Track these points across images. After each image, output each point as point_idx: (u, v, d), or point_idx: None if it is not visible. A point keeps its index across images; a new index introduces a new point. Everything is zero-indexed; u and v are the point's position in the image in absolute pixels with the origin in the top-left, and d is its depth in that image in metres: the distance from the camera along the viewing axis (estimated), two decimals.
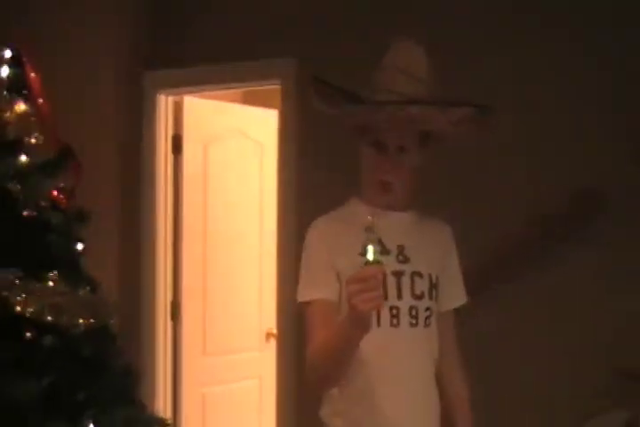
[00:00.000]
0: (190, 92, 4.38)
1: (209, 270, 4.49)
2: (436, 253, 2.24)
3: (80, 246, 2.30)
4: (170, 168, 4.35)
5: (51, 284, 2.07)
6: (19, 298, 1.96)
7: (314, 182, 3.86)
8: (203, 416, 4.47)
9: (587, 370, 3.15)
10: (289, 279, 3.89)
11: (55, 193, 2.29)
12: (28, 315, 1.98)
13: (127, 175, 4.17)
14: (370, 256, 1.70)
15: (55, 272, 2.11)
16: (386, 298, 2.04)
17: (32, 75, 2.30)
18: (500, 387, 2.26)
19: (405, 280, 2.14)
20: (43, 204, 2.20)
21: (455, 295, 2.30)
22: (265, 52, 3.97)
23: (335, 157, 3.77)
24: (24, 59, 2.29)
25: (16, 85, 2.27)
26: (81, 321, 2.04)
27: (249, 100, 5.06)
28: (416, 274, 2.15)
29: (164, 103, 4.34)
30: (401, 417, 2.11)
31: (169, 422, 2.49)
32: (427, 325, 2.16)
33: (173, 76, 4.24)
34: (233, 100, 4.92)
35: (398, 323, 2.11)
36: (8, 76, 2.26)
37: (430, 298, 2.17)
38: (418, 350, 2.16)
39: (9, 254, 2.08)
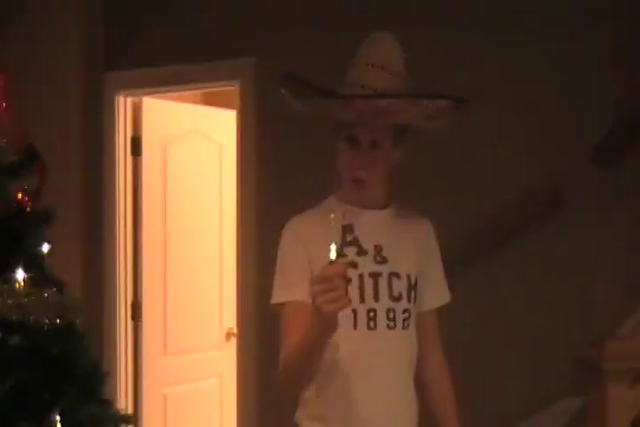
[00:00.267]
0: (149, 93, 4.39)
1: (169, 270, 4.51)
2: (415, 251, 2.16)
3: (46, 247, 2.32)
4: (129, 169, 4.36)
5: (17, 284, 2.10)
6: None
7: (273, 182, 3.90)
8: (164, 416, 4.49)
9: (545, 359, 3.21)
10: (249, 279, 3.94)
11: (20, 195, 2.31)
12: None
13: (89, 176, 4.18)
14: (332, 255, 1.65)
15: (21, 273, 2.14)
16: (363, 300, 2.03)
17: None
18: (458, 375, 2.29)
19: (383, 282, 2.08)
20: (7, 205, 2.23)
21: (437, 294, 2.24)
22: (223, 53, 4.00)
23: (294, 156, 3.83)
24: None
25: None
26: (47, 321, 2.08)
27: (209, 100, 5.08)
28: (394, 275, 2.09)
29: (123, 104, 4.35)
30: (378, 422, 2.07)
31: (132, 419, 2.52)
32: (405, 327, 2.10)
33: (132, 77, 4.25)
34: (193, 101, 4.94)
35: (375, 326, 2.05)
36: None
37: (409, 300, 2.11)
38: (396, 353, 2.10)
39: None
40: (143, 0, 4.24)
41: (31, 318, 2.06)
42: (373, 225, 2.12)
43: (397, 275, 2.09)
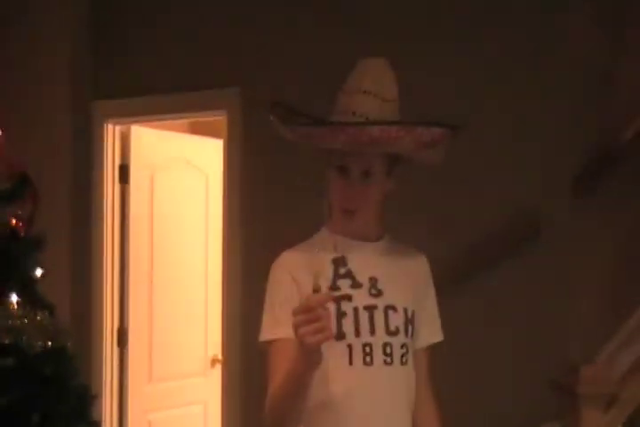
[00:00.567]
0: (137, 122, 4.45)
1: (155, 297, 4.54)
2: (411, 285, 2.06)
3: (39, 272, 2.38)
4: (117, 197, 4.41)
5: (11, 307, 2.16)
6: None
7: (259, 211, 3.94)
8: None
9: (523, 383, 3.24)
10: (234, 306, 3.97)
11: (14, 220, 2.37)
12: None
13: (77, 203, 4.23)
14: (316, 284, 1.61)
15: (15, 297, 2.20)
16: (358, 334, 1.94)
17: None
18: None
19: (379, 315, 1.97)
20: (1, 231, 2.29)
21: (430, 332, 2.12)
22: (210, 83, 4.05)
23: (280, 185, 3.87)
24: None
25: None
26: (40, 343, 2.13)
27: (196, 129, 5.14)
28: (390, 308, 1.99)
29: (112, 133, 4.40)
30: None
31: None
32: (403, 363, 1.99)
33: (120, 106, 4.30)
34: (181, 129, 5.01)
35: (372, 361, 1.94)
36: None
37: (406, 334, 2.00)
38: (393, 390, 1.98)
39: None
40: (131, 31, 4.30)
41: (24, 339, 2.11)
42: (367, 257, 2.02)
43: (394, 308, 2.00)
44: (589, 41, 3.34)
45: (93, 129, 4.34)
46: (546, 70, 3.39)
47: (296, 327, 1.61)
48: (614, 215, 3.23)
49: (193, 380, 4.73)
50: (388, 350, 1.96)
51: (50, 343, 2.16)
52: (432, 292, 2.14)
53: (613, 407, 2.71)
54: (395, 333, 1.98)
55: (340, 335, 1.92)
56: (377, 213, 2.06)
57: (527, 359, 3.28)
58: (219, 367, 4.41)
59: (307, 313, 1.60)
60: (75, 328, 3.85)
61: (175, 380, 4.63)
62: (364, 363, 1.94)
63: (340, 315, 1.93)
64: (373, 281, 2.00)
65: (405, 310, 2.01)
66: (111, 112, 4.35)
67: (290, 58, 3.87)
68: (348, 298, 1.95)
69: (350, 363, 1.93)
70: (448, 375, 3.28)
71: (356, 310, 1.95)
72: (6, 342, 2.08)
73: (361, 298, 1.97)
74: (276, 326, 1.92)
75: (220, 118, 4.18)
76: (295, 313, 1.62)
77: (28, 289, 2.30)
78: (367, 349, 1.94)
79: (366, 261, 2.02)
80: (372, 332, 1.96)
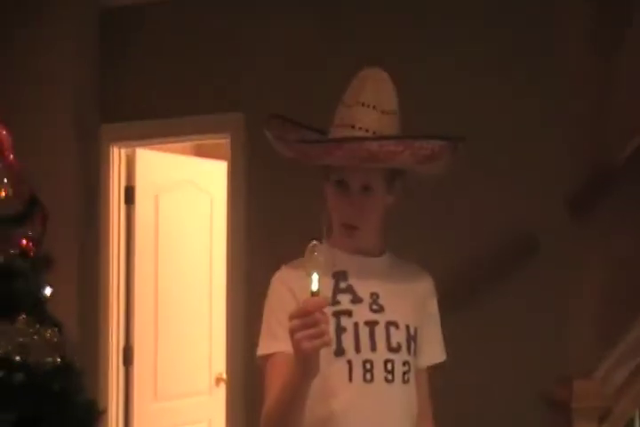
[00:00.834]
0: (143, 145, 4.52)
1: (161, 317, 4.60)
2: (413, 302, 2.00)
3: (48, 291, 2.46)
4: (123, 218, 4.48)
5: (20, 325, 2.23)
6: None
7: (262, 232, 4.00)
8: None
9: (518, 397, 3.28)
10: (238, 326, 4.03)
11: (24, 241, 2.45)
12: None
13: (85, 224, 4.30)
14: (314, 286, 1.53)
15: (24, 315, 2.28)
16: (358, 350, 1.88)
17: (3, 132, 2.48)
18: None
19: (380, 331, 1.91)
20: (12, 251, 2.38)
21: (432, 351, 2.05)
22: (214, 107, 4.14)
23: (283, 206, 3.93)
24: None
25: None
26: (49, 360, 2.20)
27: (201, 151, 5.22)
28: (391, 324, 1.93)
29: (117, 155, 4.48)
30: None
31: None
32: (405, 381, 1.92)
33: (126, 130, 4.38)
34: (186, 151, 5.09)
35: (372, 378, 1.87)
36: None
37: (409, 352, 1.94)
38: (395, 408, 1.92)
39: None
40: (136, 56, 4.38)
41: (33, 356, 2.18)
42: (369, 272, 1.97)
43: (395, 324, 1.94)
44: (583, 64, 3.40)
45: (100, 152, 4.42)
46: (543, 89, 3.45)
47: (292, 332, 1.55)
48: (612, 233, 3.26)
49: (198, 398, 4.77)
50: (390, 367, 1.90)
51: (58, 360, 2.24)
52: (435, 311, 2.08)
53: (606, 422, 2.74)
54: (396, 349, 1.92)
55: (340, 351, 1.87)
56: (378, 228, 2.01)
57: (522, 374, 3.32)
58: (223, 386, 4.46)
59: (303, 317, 1.54)
60: (81, 347, 3.91)
61: (180, 398, 4.68)
62: (365, 380, 1.88)
63: (340, 330, 1.88)
64: (374, 297, 1.94)
65: (407, 327, 1.95)
66: (117, 135, 4.43)
67: (292, 82, 3.95)
68: (348, 313, 1.89)
69: (350, 379, 1.87)
70: (445, 390, 3.34)
71: (356, 325, 1.90)
72: (17, 358, 2.16)
73: (361, 313, 1.91)
74: (273, 340, 1.87)
75: (223, 141, 4.26)
76: (291, 317, 1.56)
77: (38, 308, 2.38)
78: (367, 365, 1.88)
79: (367, 276, 1.96)
80: (373, 348, 1.90)
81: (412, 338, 1.95)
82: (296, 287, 1.86)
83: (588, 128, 3.37)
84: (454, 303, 3.31)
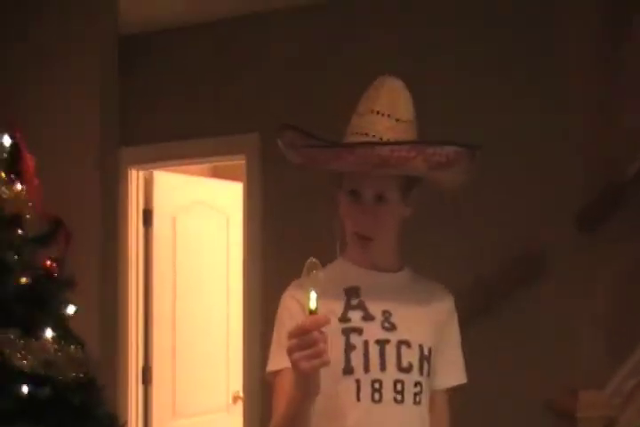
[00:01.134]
0: (160, 167, 4.61)
1: (179, 337, 4.66)
2: (430, 322, 1.92)
3: (71, 309, 2.55)
4: (141, 239, 4.57)
5: (45, 342, 2.33)
6: (18, 355, 2.23)
7: (278, 252, 4.06)
8: None
9: (521, 407, 3.30)
10: (254, 346, 4.06)
11: (48, 262, 2.55)
12: (26, 369, 2.24)
13: (106, 246, 4.37)
14: (312, 304, 1.49)
15: (49, 331, 2.37)
16: (367, 369, 1.81)
17: (27, 158, 2.59)
18: None
19: (390, 350, 1.84)
20: (37, 271, 2.48)
21: (450, 372, 1.97)
22: (230, 129, 4.22)
23: (299, 226, 3.99)
24: (20, 144, 2.58)
25: (13, 168, 2.57)
26: (72, 375, 2.29)
27: (218, 172, 5.29)
28: (403, 343, 1.86)
29: (135, 178, 4.57)
30: None
31: None
32: (416, 402, 1.85)
33: (144, 152, 4.47)
34: (202, 173, 5.16)
35: (381, 398, 1.81)
36: (6, 160, 2.58)
37: (421, 372, 1.86)
38: None
39: (9, 316, 2.36)
40: (154, 82, 4.48)
41: (58, 371, 2.27)
42: (383, 289, 1.89)
43: (407, 343, 1.86)
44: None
45: (118, 175, 4.50)
46: (550, 104, 3.47)
47: (290, 352, 1.52)
48: (621, 246, 3.29)
49: (215, 416, 4.81)
50: (399, 388, 1.83)
51: (81, 375, 2.33)
52: (456, 331, 2.00)
53: None
54: (407, 369, 1.85)
55: (349, 370, 1.81)
56: (393, 241, 1.94)
57: (530, 385, 3.33)
58: (240, 404, 4.51)
59: (302, 336, 1.50)
60: (101, 366, 3.98)
61: (198, 416, 4.72)
62: (373, 400, 1.81)
63: (350, 348, 1.82)
64: (387, 314, 1.87)
65: (421, 347, 1.87)
66: (135, 158, 4.51)
67: (307, 103, 4.01)
68: (358, 331, 1.83)
69: (358, 399, 1.81)
70: (452, 400, 3.37)
71: (366, 343, 1.83)
72: (42, 373, 2.25)
73: (372, 331, 1.84)
74: (282, 355, 1.70)
75: (239, 162, 4.33)
76: (289, 337, 1.52)
77: (62, 325, 2.48)
78: (376, 385, 1.82)
79: (381, 292, 1.89)
80: (383, 367, 1.83)
81: (425, 358, 1.88)
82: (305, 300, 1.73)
83: (595, 144, 3.38)
84: (464, 315, 3.37)
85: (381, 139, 1.81)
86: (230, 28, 4.30)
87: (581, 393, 2.73)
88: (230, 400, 4.87)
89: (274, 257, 4.09)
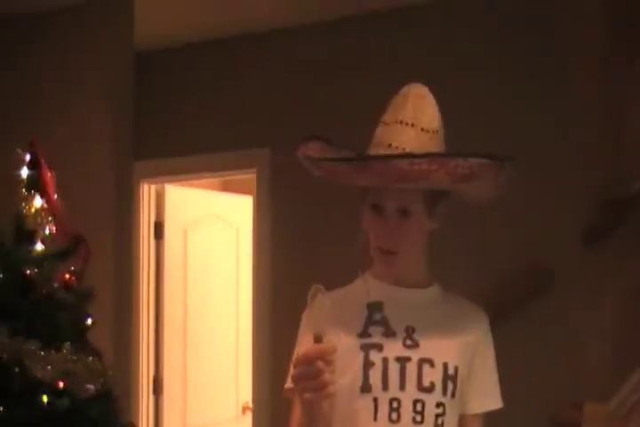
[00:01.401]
0: (171, 181, 4.67)
1: (189, 348, 4.72)
2: (459, 341, 1.83)
3: (89, 321, 2.62)
4: (152, 252, 4.63)
5: (64, 353, 2.39)
6: (38, 365, 2.29)
7: (288, 265, 4.11)
8: None
9: (525, 418, 3.27)
10: (263, 357, 4.12)
11: (67, 275, 2.62)
12: (46, 380, 2.30)
13: (118, 258, 4.43)
14: (318, 332, 1.46)
15: (68, 343, 2.44)
16: (386, 388, 1.74)
17: (47, 175, 2.66)
18: None
19: (411, 368, 1.76)
20: (56, 285, 2.55)
21: (488, 397, 1.88)
22: (241, 143, 4.28)
23: (309, 239, 4.04)
24: (41, 161, 2.66)
25: (34, 184, 2.65)
26: (91, 386, 2.35)
27: (228, 186, 5.35)
28: (426, 362, 1.77)
29: (147, 192, 4.64)
30: None
31: None
32: (438, 424, 1.75)
33: (155, 166, 4.53)
34: (212, 187, 5.22)
35: (399, 418, 1.73)
36: (27, 176, 2.66)
37: (444, 393, 1.77)
38: None
39: (29, 328, 2.43)
40: (166, 98, 4.54)
41: (76, 383, 2.33)
42: (408, 304, 1.82)
43: (430, 362, 1.77)
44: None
45: (131, 189, 4.56)
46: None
47: (294, 381, 1.51)
48: (626, 262, 3.32)
49: (225, 426, 4.86)
50: (419, 408, 1.74)
51: (99, 386, 2.39)
52: (492, 354, 1.91)
53: None
54: (429, 389, 1.76)
55: (367, 388, 1.75)
56: (419, 255, 1.86)
57: (536, 399, 3.35)
58: (249, 414, 4.56)
59: (306, 366, 1.47)
60: (114, 377, 4.03)
61: (208, 426, 4.77)
62: (390, 419, 1.73)
63: (368, 365, 1.75)
64: (410, 331, 1.79)
65: (445, 366, 1.78)
66: (147, 172, 4.56)
67: (319, 119, 4.03)
68: (379, 347, 1.76)
69: (375, 419, 1.73)
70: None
71: (385, 360, 1.76)
72: (61, 385, 2.31)
73: (393, 348, 1.77)
74: None
75: (250, 176, 4.39)
76: (295, 364, 1.50)
77: (80, 337, 2.54)
78: (394, 404, 1.74)
79: (405, 308, 1.81)
80: (402, 386, 1.75)
81: (449, 378, 1.78)
82: (329, 325, 1.58)
83: (601, 165, 3.41)
84: None
85: (404, 149, 1.73)
86: (243, 44, 4.36)
87: (586, 406, 2.76)
88: (240, 411, 4.91)
89: (283, 270, 4.13)
